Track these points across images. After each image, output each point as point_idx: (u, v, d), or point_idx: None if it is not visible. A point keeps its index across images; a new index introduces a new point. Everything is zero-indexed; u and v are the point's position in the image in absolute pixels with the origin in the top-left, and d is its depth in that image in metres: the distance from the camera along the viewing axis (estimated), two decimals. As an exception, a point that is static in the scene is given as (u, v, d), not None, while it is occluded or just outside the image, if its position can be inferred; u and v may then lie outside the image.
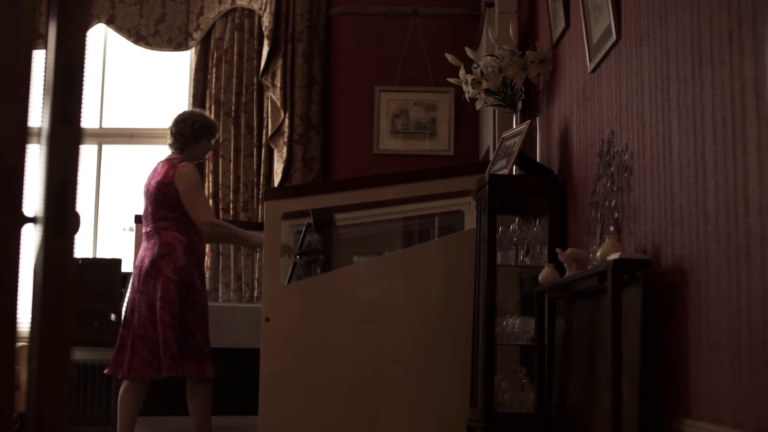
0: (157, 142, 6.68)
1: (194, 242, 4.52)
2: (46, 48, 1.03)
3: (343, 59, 6.39)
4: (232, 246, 6.21)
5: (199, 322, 4.47)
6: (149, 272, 4.44)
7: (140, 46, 6.58)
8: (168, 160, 4.63)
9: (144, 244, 4.59)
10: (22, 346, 4.46)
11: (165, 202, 4.51)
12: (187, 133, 4.61)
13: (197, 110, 4.87)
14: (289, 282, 4.88)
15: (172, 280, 4.40)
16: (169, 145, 4.68)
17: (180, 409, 4.72)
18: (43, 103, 1.02)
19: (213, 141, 4.76)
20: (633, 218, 2.70)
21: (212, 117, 6.37)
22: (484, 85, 4.03)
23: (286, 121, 6.23)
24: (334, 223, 4.89)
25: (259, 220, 6.02)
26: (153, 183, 4.58)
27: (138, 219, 5.19)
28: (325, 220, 4.80)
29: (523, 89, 4.07)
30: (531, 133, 3.96)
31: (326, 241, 5.06)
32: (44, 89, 1.02)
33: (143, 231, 4.65)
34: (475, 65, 4.10)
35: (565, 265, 3.08)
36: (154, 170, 4.65)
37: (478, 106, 4.20)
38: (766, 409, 1.79)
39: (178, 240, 4.47)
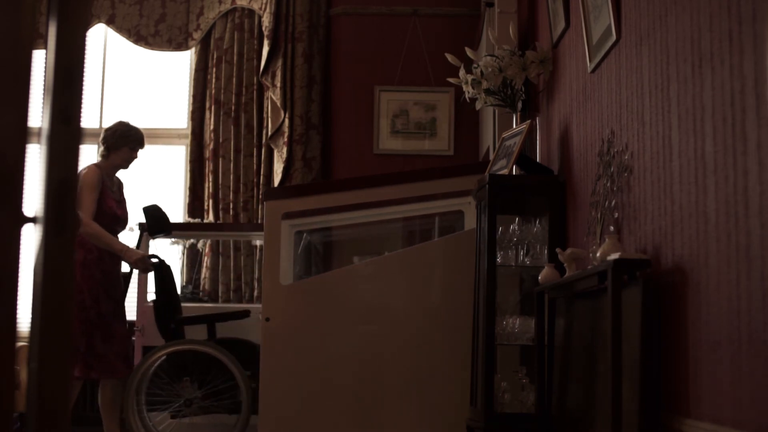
0: (157, 142, 6.68)
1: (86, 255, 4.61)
2: (46, 48, 1.03)
3: (343, 59, 6.39)
4: (232, 246, 6.21)
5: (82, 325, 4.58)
6: None
7: (140, 46, 6.58)
8: None
9: None
10: (22, 346, 4.46)
11: None
12: (109, 140, 4.83)
13: (125, 121, 5.01)
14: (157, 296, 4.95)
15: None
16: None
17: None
18: (43, 103, 1.02)
19: (136, 150, 4.89)
20: (633, 218, 2.70)
21: (212, 117, 6.38)
22: (484, 85, 4.03)
23: (286, 121, 6.23)
24: (167, 225, 4.94)
25: (259, 221, 6.02)
26: None
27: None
28: (158, 222, 4.86)
29: (523, 89, 4.07)
30: (531, 133, 3.96)
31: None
32: (44, 89, 1.02)
33: None
34: (475, 65, 4.10)
35: (565, 265, 3.08)
36: None
37: (478, 106, 4.20)
38: (766, 409, 1.78)
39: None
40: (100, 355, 4.57)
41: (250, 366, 4.63)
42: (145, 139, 6.66)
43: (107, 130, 4.88)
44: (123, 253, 4.62)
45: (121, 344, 4.64)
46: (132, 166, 4.93)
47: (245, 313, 4.80)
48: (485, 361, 3.54)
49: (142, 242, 5.44)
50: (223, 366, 4.51)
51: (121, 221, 4.85)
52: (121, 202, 4.90)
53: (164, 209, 5.04)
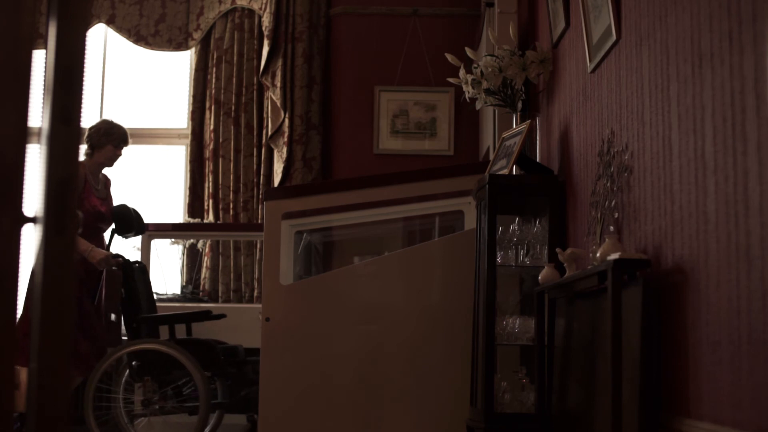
0: (158, 142, 6.68)
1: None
2: (46, 48, 1.03)
3: (343, 59, 6.39)
4: (232, 246, 6.22)
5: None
6: None
7: (140, 46, 6.58)
8: None
9: None
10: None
11: None
12: (93, 138, 4.86)
13: (108, 119, 5.06)
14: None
15: None
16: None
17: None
18: (43, 103, 1.02)
19: (120, 148, 4.93)
20: (633, 218, 2.70)
21: (212, 117, 6.38)
22: (484, 85, 4.03)
23: (286, 121, 6.23)
24: (137, 224, 4.94)
25: (259, 221, 6.02)
26: None
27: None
28: (125, 222, 4.87)
29: (523, 89, 4.07)
30: (531, 133, 3.95)
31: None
32: (44, 89, 1.02)
33: None
34: (475, 65, 4.10)
35: (565, 265, 3.08)
36: None
37: (478, 106, 4.20)
38: (766, 409, 1.78)
39: None
40: (82, 355, 4.60)
41: (211, 367, 4.62)
42: (145, 139, 6.69)
43: (91, 128, 4.92)
44: (87, 253, 4.64)
45: (99, 342, 4.69)
46: (117, 163, 4.96)
47: (208, 314, 4.81)
48: (485, 361, 3.54)
49: (143, 243, 5.46)
50: (182, 366, 4.50)
51: (106, 219, 4.90)
52: (106, 199, 4.93)
53: (134, 209, 5.04)
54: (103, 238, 4.87)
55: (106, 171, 4.99)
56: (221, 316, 4.96)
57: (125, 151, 4.96)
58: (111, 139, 4.86)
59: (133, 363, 4.62)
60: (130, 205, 5.08)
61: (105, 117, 5.12)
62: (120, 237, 5.08)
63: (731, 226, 1.96)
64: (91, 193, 4.79)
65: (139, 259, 5.44)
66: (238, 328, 5.17)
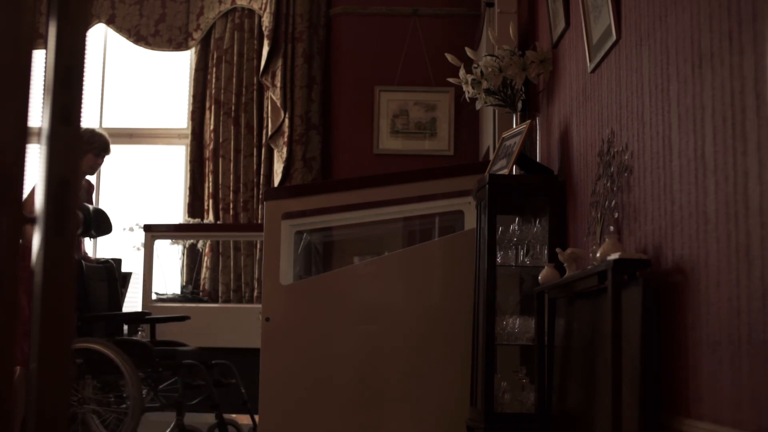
0: (157, 142, 6.68)
1: None
2: (46, 48, 1.03)
3: (343, 59, 6.39)
4: (232, 246, 6.22)
5: None
6: None
7: (140, 46, 6.58)
8: None
9: None
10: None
11: None
12: None
13: (90, 127, 5.08)
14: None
15: None
16: None
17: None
18: (43, 103, 1.02)
19: (101, 156, 4.93)
20: (633, 218, 2.70)
21: (212, 117, 6.38)
22: (484, 85, 4.03)
23: (286, 121, 6.23)
24: (93, 225, 4.94)
25: (259, 221, 6.02)
26: None
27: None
28: (84, 223, 4.88)
29: (523, 89, 4.07)
30: (531, 133, 3.95)
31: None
32: (44, 89, 1.02)
33: None
34: (475, 65, 4.10)
35: (565, 265, 3.08)
36: None
37: (478, 106, 4.20)
38: (766, 409, 1.78)
39: None
40: None
41: (145, 367, 4.60)
42: (145, 139, 6.69)
43: None
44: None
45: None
46: (99, 171, 4.99)
47: (143, 316, 4.81)
48: (485, 361, 3.54)
49: (145, 243, 5.47)
50: (116, 366, 4.48)
51: None
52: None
53: (97, 209, 5.04)
54: (83, 242, 4.96)
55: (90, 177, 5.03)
56: (183, 318, 4.95)
57: (107, 159, 4.97)
58: (92, 147, 4.88)
59: (77, 361, 4.61)
60: (107, 206, 5.10)
61: (87, 125, 5.11)
62: (84, 238, 5.10)
63: (731, 226, 1.96)
64: None
65: (142, 259, 5.45)
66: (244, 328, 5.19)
